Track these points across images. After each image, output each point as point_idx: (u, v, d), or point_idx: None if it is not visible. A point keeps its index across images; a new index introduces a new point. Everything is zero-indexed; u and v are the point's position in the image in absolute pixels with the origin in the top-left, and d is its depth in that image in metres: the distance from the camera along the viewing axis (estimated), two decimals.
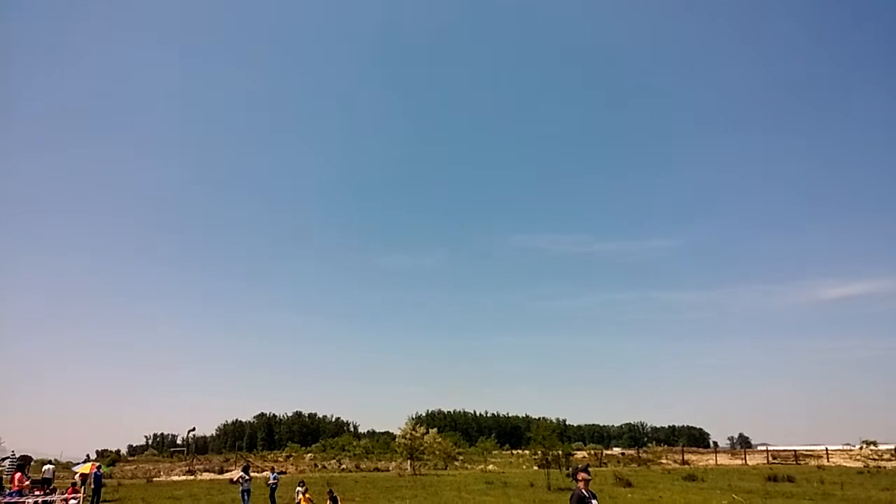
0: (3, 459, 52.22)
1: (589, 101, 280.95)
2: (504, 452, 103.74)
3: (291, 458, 78.89)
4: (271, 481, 24.32)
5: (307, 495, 20.46)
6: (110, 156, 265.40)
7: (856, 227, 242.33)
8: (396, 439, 59.52)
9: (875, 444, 69.74)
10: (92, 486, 26.60)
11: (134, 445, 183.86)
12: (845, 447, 72.64)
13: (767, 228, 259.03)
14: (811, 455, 65.79)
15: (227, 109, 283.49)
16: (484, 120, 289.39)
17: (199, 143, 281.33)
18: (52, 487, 26.42)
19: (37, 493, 23.18)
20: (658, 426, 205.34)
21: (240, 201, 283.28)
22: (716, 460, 65.73)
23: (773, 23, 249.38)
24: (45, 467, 33.95)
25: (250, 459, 63.02)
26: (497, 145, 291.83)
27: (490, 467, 60.97)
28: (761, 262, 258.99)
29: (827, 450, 65.58)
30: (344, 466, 65.33)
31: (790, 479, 36.21)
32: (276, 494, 23.65)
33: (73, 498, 21.16)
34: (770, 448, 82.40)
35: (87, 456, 79.51)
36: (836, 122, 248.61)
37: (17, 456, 46.30)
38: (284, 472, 23.29)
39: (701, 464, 61.33)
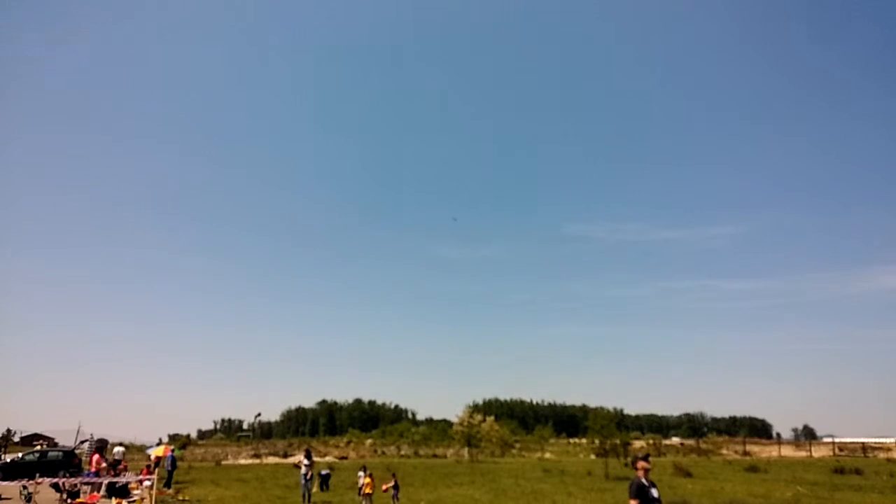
0: (83, 442, 55.23)
1: (646, 87, 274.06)
2: (561, 441, 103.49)
3: (352, 444, 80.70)
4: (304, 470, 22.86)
5: (370, 479, 21.14)
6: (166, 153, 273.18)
7: None
8: (454, 427, 60.31)
9: None
10: (168, 468, 27.94)
11: (203, 430, 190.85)
12: None
13: (830, 216, 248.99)
14: (880, 448, 63.53)
15: (263, 99, 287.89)
16: (539, 108, 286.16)
17: (250, 140, 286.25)
18: (122, 468, 27.88)
19: (112, 473, 24.48)
20: (718, 416, 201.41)
21: (312, 201, 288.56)
22: (779, 452, 64.17)
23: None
24: (116, 449, 35.61)
25: (312, 445, 64.72)
26: (553, 133, 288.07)
27: (547, 455, 61.12)
28: (825, 251, 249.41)
29: None
30: (403, 452, 66.50)
31: (858, 472, 35.16)
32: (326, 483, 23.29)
33: (148, 479, 22.28)
34: (836, 440, 79.88)
35: (160, 440, 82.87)
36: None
37: (96, 439, 48.96)
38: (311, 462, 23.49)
39: (763, 455, 60.05)
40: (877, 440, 69.67)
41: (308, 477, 22.41)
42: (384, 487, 21.76)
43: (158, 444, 40.48)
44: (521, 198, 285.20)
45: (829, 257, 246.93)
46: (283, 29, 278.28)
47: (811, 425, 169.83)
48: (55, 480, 22.52)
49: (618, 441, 37.49)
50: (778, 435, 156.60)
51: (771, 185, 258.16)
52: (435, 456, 61.65)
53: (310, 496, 22.29)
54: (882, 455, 58.05)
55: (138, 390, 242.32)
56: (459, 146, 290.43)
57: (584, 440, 68.33)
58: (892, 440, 65.10)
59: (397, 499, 21.47)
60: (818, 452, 63.25)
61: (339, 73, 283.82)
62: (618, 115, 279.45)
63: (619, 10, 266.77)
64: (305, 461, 22.83)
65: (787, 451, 65.90)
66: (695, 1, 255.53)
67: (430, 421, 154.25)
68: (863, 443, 67.31)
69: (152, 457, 31.60)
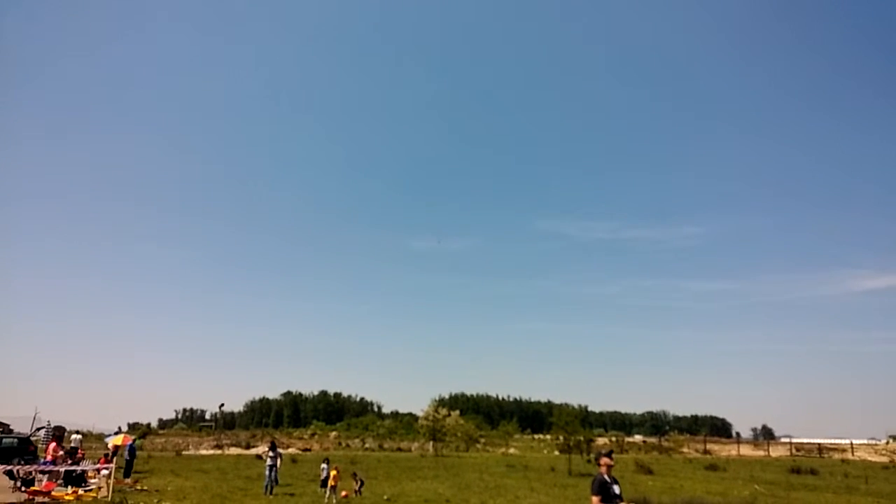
0: (39, 430, 53.96)
1: (617, 89, 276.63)
2: (526, 436, 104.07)
3: (316, 436, 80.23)
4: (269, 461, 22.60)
5: (336, 472, 21.00)
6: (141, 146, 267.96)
7: (885, 220, 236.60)
8: (419, 420, 60.25)
9: None
10: (126, 458, 27.46)
11: (164, 419, 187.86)
12: (871, 441, 71.56)
13: (796, 219, 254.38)
14: (836, 448, 65.08)
15: (242, 97, 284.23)
16: (515, 106, 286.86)
17: (222, 137, 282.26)
18: (79, 456, 27.35)
19: (69, 462, 24.01)
20: (680, 415, 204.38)
21: (274, 193, 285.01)
22: (738, 451, 65.41)
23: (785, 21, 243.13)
24: (73, 437, 34.98)
25: (276, 436, 64.20)
26: (528, 131, 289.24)
27: (511, 451, 61.42)
28: (789, 253, 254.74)
29: (852, 444, 64.82)
30: (367, 446, 66.31)
31: (814, 472, 35.99)
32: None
33: (105, 468, 21.89)
34: (794, 440, 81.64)
35: (119, 428, 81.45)
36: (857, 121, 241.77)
37: (52, 427, 47.88)
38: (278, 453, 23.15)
39: (723, 454, 61.12)
40: (833, 441, 71.35)
41: (273, 469, 22.20)
42: (344, 494, 21.33)
43: (117, 433, 39.71)
44: (494, 194, 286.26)
45: (794, 260, 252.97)
46: (259, 21, 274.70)
47: (770, 425, 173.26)
48: (9, 468, 22.00)
49: (581, 438, 37.84)
50: (737, 434, 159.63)
51: (739, 188, 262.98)
52: (399, 449, 61.55)
53: (272, 489, 22.09)
54: (837, 456, 59.50)
55: (97, 377, 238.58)
56: (433, 141, 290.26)
57: (548, 436, 68.79)
58: (847, 441, 66.71)
59: (360, 493, 21.38)
60: (776, 452, 64.59)
61: (314, 68, 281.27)
62: (592, 116, 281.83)
63: (592, 11, 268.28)
64: (270, 453, 22.63)
65: (746, 451, 67.18)
66: (665, 4, 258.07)
67: (395, 414, 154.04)
68: (819, 443, 68.91)
69: (110, 445, 31.00)
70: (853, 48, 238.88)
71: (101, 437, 57.33)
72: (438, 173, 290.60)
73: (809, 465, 41.12)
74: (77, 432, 45.04)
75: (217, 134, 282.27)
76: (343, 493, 21.15)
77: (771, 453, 63.29)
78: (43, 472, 22.22)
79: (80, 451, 29.57)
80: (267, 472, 22.21)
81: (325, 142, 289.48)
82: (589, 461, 35.15)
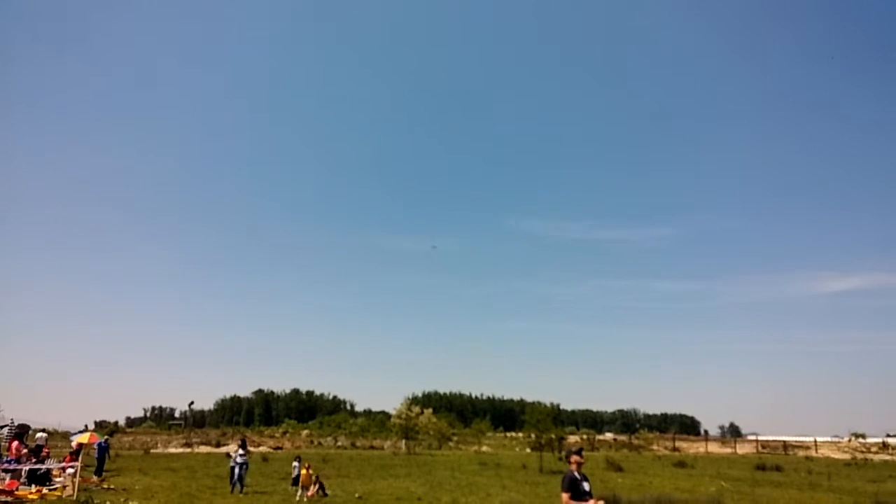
0: (2, 427, 52.72)
1: (590, 91, 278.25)
2: (498, 434, 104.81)
3: (288, 435, 79.78)
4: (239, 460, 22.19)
5: (309, 470, 20.90)
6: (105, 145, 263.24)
7: (850, 222, 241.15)
8: (392, 419, 60.29)
9: (863, 436, 70.56)
10: (96, 456, 27.03)
11: (132, 417, 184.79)
12: (834, 439, 73.40)
13: (765, 220, 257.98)
14: (800, 446, 66.51)
15: (212, 95, 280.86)
16: (488, 106, 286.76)
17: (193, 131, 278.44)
18: (44, 454, 26.85)
19: (32, 460, 23.54)
20: (650, 413, 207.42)
21: (239, 190, 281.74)
22: (706, 448, 66.51)
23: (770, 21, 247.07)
24: (38, 435, 34.29)
25: (247, 435, 63.66)
26: (502, 131, 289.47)
27: (484, 448, 61.66)
28: (757, 255, 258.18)
29: (816, 441, 66.30)
30: (340, 444, 66.12)
31: (778, 469, 36.79)
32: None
33: (71, 466, 21.54)
34: (760, 438, 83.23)
35: (85, 426, 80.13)
36: (835, 118, 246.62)
37: (16, 425, 46.84)
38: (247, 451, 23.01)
39: (691, 451, 62.13)
40: (797, 439, 72.92)
41: (243, 467, 22.01)
42: (310, 494, 21.18)
43: (83, 431, 39.07)
44: (467, 193, 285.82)
45: (762, 262, 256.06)
46: (223, 13, 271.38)
47: (737, 424, 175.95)
48: None
49: (553, 436, 38.11)
50: (706, 432, 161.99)
51: (710, 190, 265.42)
52: (372, 448, 61.44)
53: (241, 487, 21.91)
54: (802, 453, 60.84)
55: (63, 375, 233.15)
56: (408, 139, 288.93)
57: (520, 434, 69.35)
58: (811, 439, 68.18)
59: (325, 493, 21.26)
60: (742, 449, 65.76)
61: (283, 63, 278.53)
62: (565, 117, 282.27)
63: (565, 8, 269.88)
64: (240, 451, 22.44)
65: (714, 448, 68.36)
66: (635, 4, 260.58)
67: (368, 413, 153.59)
68: (784, 441, 70.34)
69: (74, 444, 30.48)
70: (824, 47, 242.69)
71: (66, 436, 56.31)
72: (414, 173, 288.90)
73: (774, 462, 42.03)
74: (43, 430, 44.16)
75: (185, 131, 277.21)
76: (309, 493, 21.05)
77: (738, 451, 64.42)
78: (6, 472, 21.77)
79: (45, 449, 29.02)
80: (235, 471, 21.98)
81: (297, 139, 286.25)
82: (560, 459, 35.41)
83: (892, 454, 59.74)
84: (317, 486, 21.32)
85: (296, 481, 21.48)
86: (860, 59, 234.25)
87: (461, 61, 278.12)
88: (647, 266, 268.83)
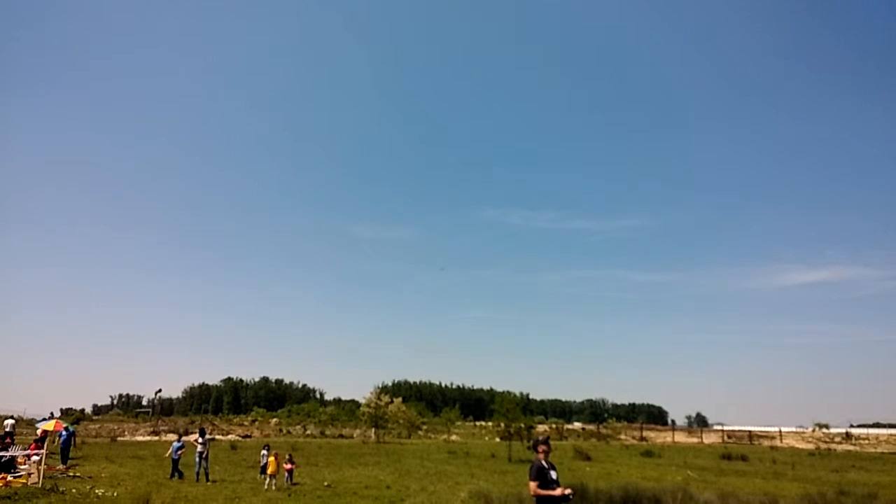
0: None
1: (562, 79, 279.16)
2: (467, 424, 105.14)
3: (257, 423, 79.09)
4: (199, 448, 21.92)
5: (277, 459, 20.61)
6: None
7: (816, 217, 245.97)
8: (361, 407, 60.00)
9: (827, 427, 72.09)
10: (61, 445, 26.39)
11: (99, 405, 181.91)
12: (798, 429, 74.87)
13: (733, 213, 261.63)
14: (765, 436, 67.80)
15: (195, 85, 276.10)
16: (458, 98, 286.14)
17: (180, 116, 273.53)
18: (11, 442, 26.16)
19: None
20: (619, 403, 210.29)
21: (216, 176, 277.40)
22: (673, 438, 67.45)
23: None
24: (7, 422, 33.51)
25: (215, 423, 62.92)
26: (472, 122, 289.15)
27: (453, 437, 61.79)
28: (724, 247, 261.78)
29: (780, 431, 67.64)
30: (309, 432, 65.69)
31: (744, 458, 37.35)
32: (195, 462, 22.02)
33: (36, 454, 20.94)
34: (726, 428, 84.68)
35: (51, 413, 78.52)
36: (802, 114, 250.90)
37: None
38: (213, 439, 22.71)
39: (659, 441, 62.91)
40: (762, 429, 74.31)
41: (204, 455, 21.70)
42: (288, 467, 21.06)
43: (49, 418, 38.26)
44: (437, 182, 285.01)
45: (728, 253, 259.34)
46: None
47: (703, 414, 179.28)
48: None
49: (522, 425, 38.20)
50: (673, 422, 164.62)
51: (679, 182, 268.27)
52: (341, 436, 61.13)
53: (208, 476, 21.59)
54: (766, 443, 62.00)
55: (29, 361, 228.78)
56: (379, 127, 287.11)
57: (490, 423, 69.55)
58: (776, 429, 69.49)
59: (291, 480, 21.02)
60: (709, 439, 66.85)
61: (259, 46, 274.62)
62: (534, 109, 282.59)
63: (537, 5, 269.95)
64: (200, 439, 22.11)
65: (681, 438, 69.40)
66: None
67: (338, 401, 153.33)
68: (749, 431, 71.68)
69: (39, 431, 29.79)
70: (785, 38, 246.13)
71: (31, 423, 55.22)
72: (382, 163, 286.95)
73: (740, 451, 42.66)
74: (10, 417, 43.16)
75: (150, 112, 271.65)
76: (287, 466, 20.96)
77: (704, 440, 65.46)
78: None
79: (9, 436, 28.28)
80: (197, 460, 21.74)
81: (264, 123, 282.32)
82: (529, 448, 35.49)
83: (854, 444, 61.18)
84: (291, 466, 21.18)
85: (264, 469, 21.19)
86: (826, 58, 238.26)
87: (430, 54, 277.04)
88: (614, 257, 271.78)
